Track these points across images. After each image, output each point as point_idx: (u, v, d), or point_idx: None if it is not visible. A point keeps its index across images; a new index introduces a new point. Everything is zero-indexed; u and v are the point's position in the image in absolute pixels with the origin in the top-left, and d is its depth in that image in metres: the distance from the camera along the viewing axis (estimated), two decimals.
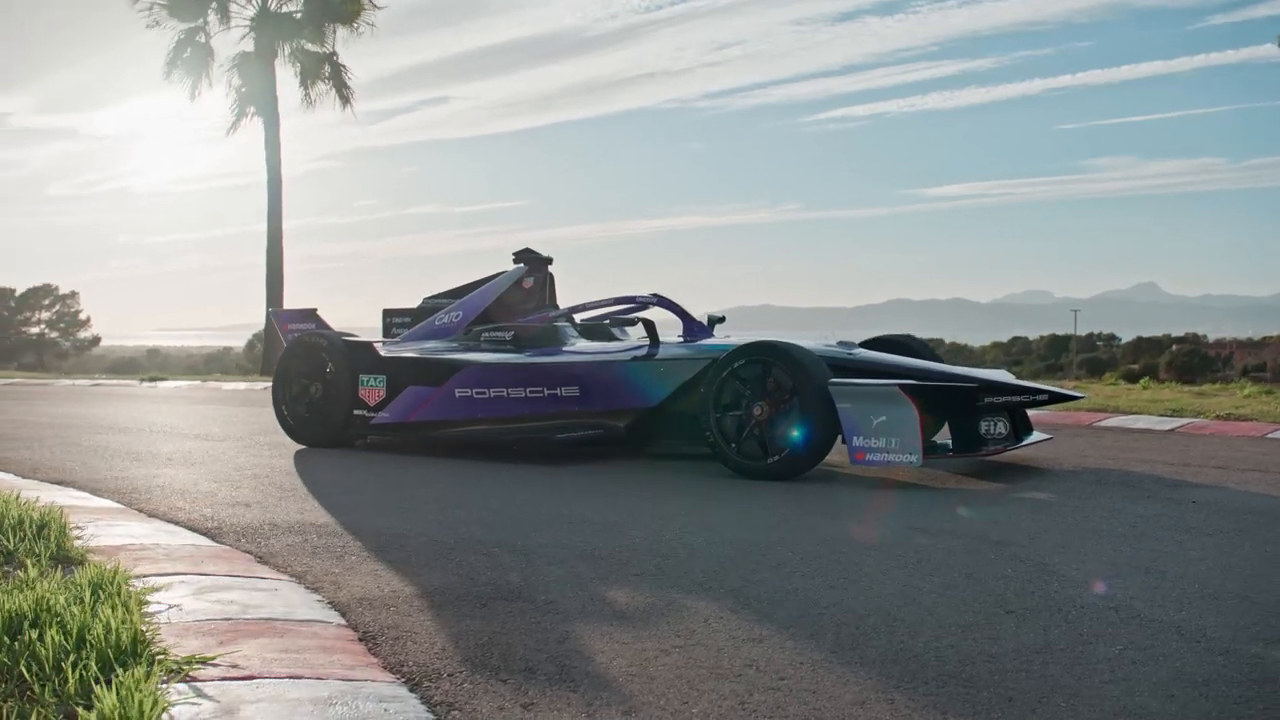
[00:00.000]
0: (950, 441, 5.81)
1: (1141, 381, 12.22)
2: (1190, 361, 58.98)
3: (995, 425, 5.79)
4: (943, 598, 3.23)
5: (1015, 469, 5.89)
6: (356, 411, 6.93)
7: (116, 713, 2.01)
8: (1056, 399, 6.11)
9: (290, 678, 2.41)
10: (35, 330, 63.47)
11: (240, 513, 4.63)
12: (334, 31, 17.34)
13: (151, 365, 46.66)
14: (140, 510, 4.68)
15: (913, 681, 2.48)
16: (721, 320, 6.99)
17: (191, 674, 2.38)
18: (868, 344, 6.60)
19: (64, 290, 65.77)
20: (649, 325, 6.54)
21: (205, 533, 4.21)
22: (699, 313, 6.92)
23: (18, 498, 4.18)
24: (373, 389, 6.90)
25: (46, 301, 65.03)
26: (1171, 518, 4.46)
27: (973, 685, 2.45)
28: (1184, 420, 7.96)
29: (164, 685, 2.27)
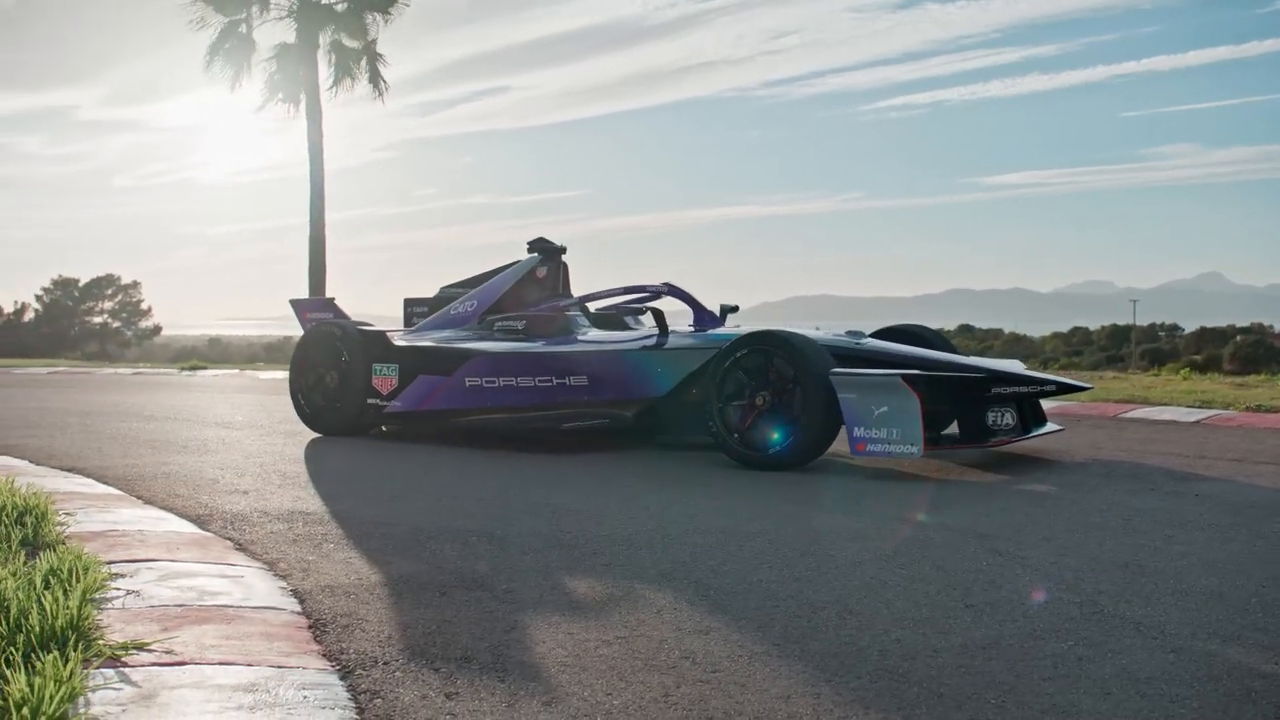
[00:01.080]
0: (957, 432, 5.74)
1: (1182, 372, 11.98)
2: (1255, 352, 57.72)
3: (1003, 416, 5.71)
4: (906, 590, 3.18)
5: (1023, 460, 5.80)
6: (370, 400, 6.98)
7: (25, 697, 2.03)
8: (1065, 389, 6.02)
9: (221, 664, 2.42)
10: (98, 320, 64.58)
11: (235, 500, 4.68)
12: (373, 21, 17.47)
13: (213, 354, 47.28)
14: (139, 497, 4.74)
15: (846, 676, 2.45)
16: (734, 310, 6.95)
17: (124, 659, 2.40)
18: (879, 334, 6.53)
19: (126, 280, 66.87)
20: (658, 315, 6.53)
21: (194, 520, 4.25)
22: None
23: (11, 484, 4.25)
24: (386, 378, 6.95)
25: (109, 292, 66.15)
26: (1168, 511, 4.37)
27: (906, 680, 2.41)
28: (1211, 412, 7.78)
29: (91, 670, 2.29)
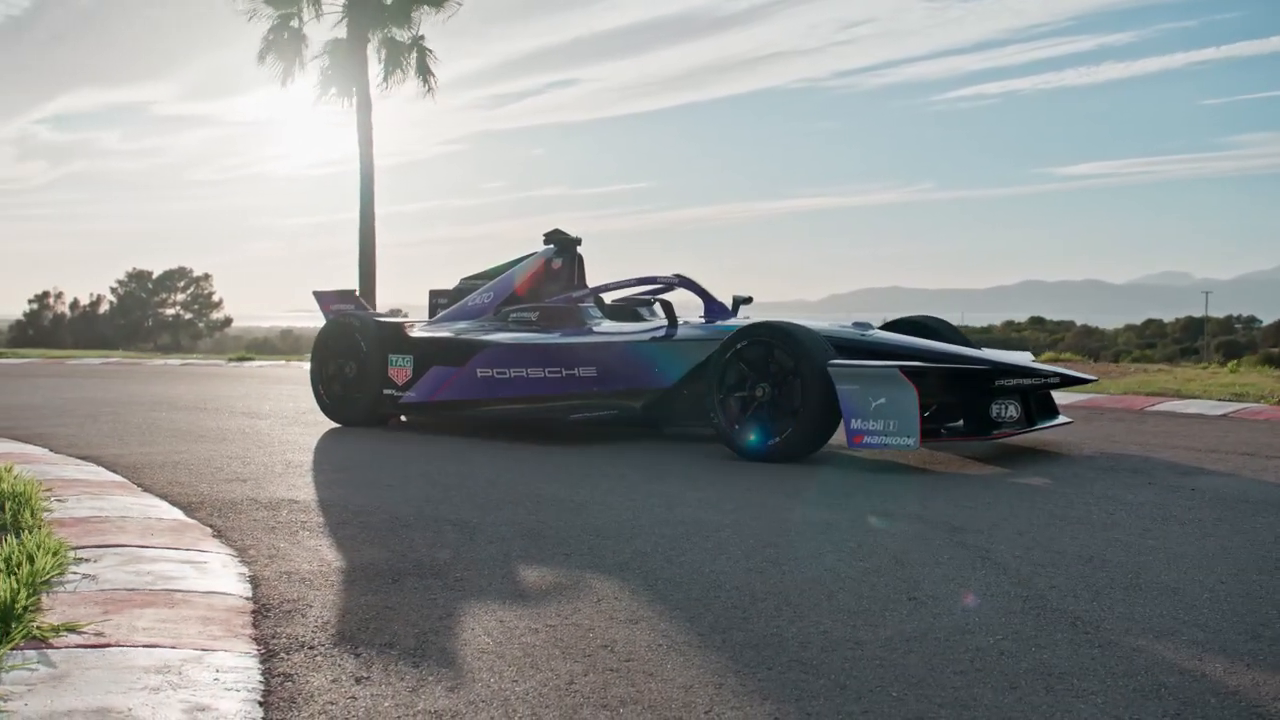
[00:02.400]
0: (961, 424, 5.68)
1: (1230, 365, 11.72)
2: None
3: (1006, 409, 5.64)
4: (856, 582, 3.17)
5: (1028, 453, 5.73)
6: (386, 391, 7.07)
7: None
8: (1068, 382, 5.93)
9: (146, 646, 2.48)
10: (170, 312, 65.87)
11: (231, 488, 4.77)
12: (422, 16, 17.64)
13: (284, 345, 47.96)
14: (139, 484, 4.85)
15: (757, 667, 2.45)
16: (748, 301, 6.94)
17: (51, 641, 2.47)
18: (890, 326, 6.49)
19: (198, 273, 68.06)
20: (667, 306, 6.53)
21: (184, 506, 4.35)
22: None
23: (10, 471, 4.37)
24: (401, 369, 7.03)
25: (181, 284, 67.41)
26: (1156, 506, 4.30)
27: (815, 672, 2.41)
28: (1240, 405, 7.62)
29: (8, 651, 2.36)
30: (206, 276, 68.52)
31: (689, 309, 6.87)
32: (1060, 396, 8.18)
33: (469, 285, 7.70)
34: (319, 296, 7.80)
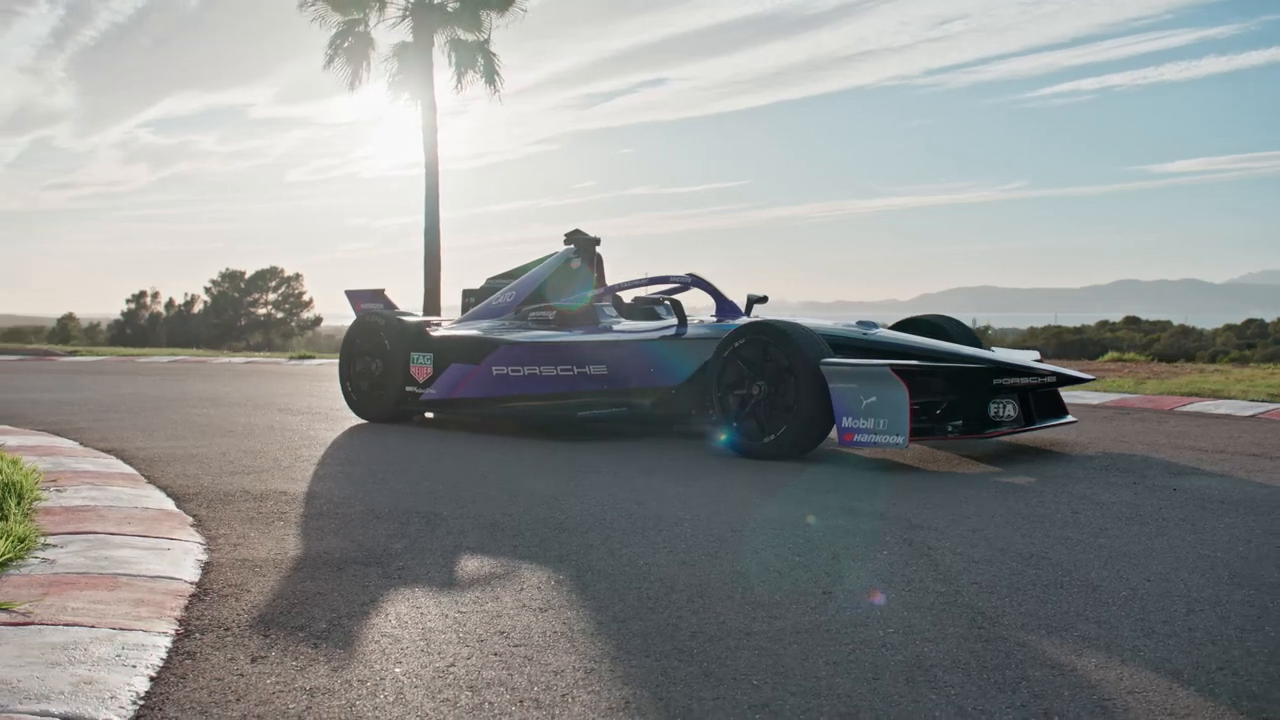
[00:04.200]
0: (960, 423, 5.67)
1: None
2: None
3: (1004, 407, 5.61)
4: (780, 576, 3.23)
5: (1029, 452, 5.71)
6: (408, 388, 7.25)
7: None
8: (1065, 381, 5.88)
9: (66, 625, 2.64)
10: (262, 311, 67.41)
11: (231, 480, 4.96)
12: (489, 19, 17.90)
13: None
14: (147, 476, 5.06)
15: (637, 654, 2.52)
16: (762, 300, 6.98)
17: None
18: (901, 325, 6.50)
19: (289, 272, 69.52)
20: (676, 305, 6.61)
21: (178, 497, 4.54)
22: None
23: (15, 463, 4.61)
24: (422, 366, 7.21)
25: (273, 284, 68.92)
26: (1127, 505, 4.27)
27: (690, 660, 2.48)
28: (1272, 406, 7.45)
29: None
30: (297, 276, 69.85)
31: (709, 309, 6.95)
32: (1091, 396, 8.10)
33: (494, 284, 7.86)
34: (351, 295, 8.00)
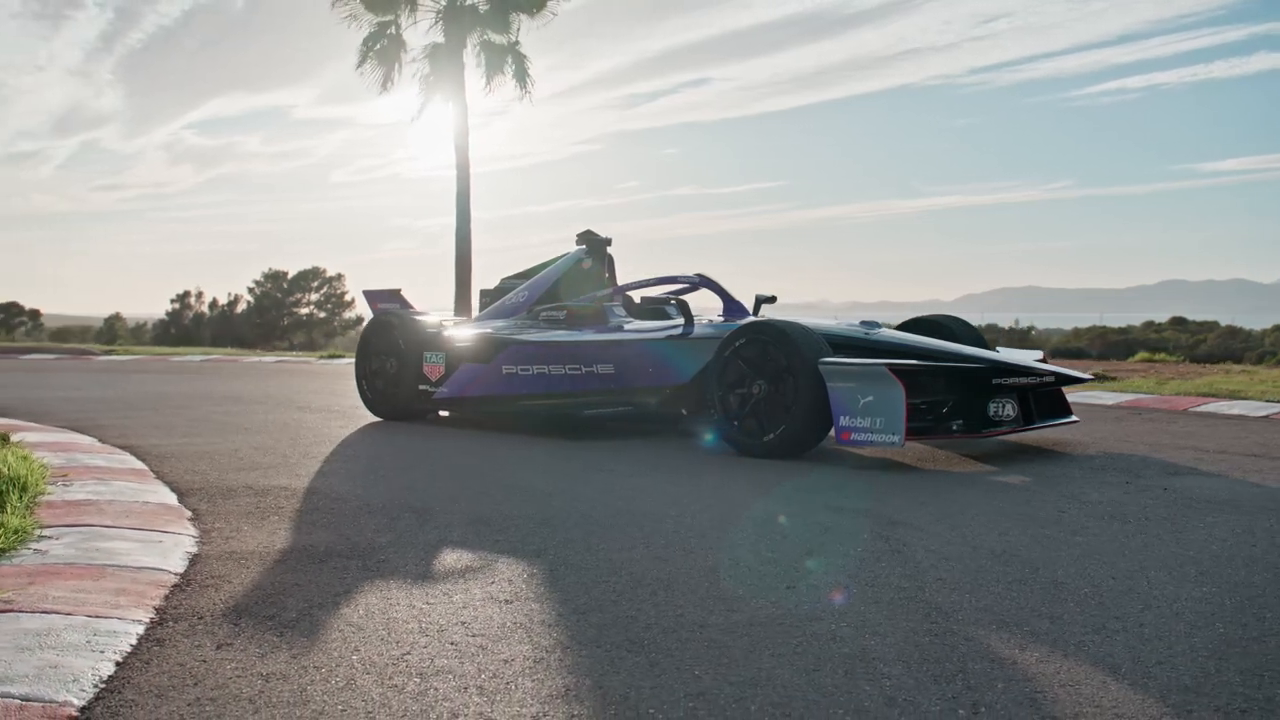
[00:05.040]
0: (960, 422, 5.69)
1: None
2: None
3: (1004, 407, 5.63)
4: (748, 572, 3.28)
5: (1029, 451, 5.72)
6: (421, 387, 7.36)
7: None
8: (1064, 381, 5.88)
9: (45, 613, 2.74)
10: (304, 311, 68.06)
11: (237, 476, 5.07)
12: (519, 21, 18.04)
13: None
14: (156, 472, 5.19)
15: (588, 645, 2.58)
16: (771, 300, 7.02)
17: None
18: (907, 325, 6.52)
19: (331, 273, 70.12)
20: (683, 305, 6.67)
21: (181, 492, 4.65)
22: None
23: (25, 458, 4.75)
24: (434, 365, 7.32)
25: (315, 284, 69.55)
26: (1113, 505, 4.28)
27: (638, 650, 2.54)
28: None
29: None
30: (339, 276, 70.47)
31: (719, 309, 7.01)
32: (1106, 396, 8.08)
33: (509, 285, 7.96)
34: (368, 295, 8.13)
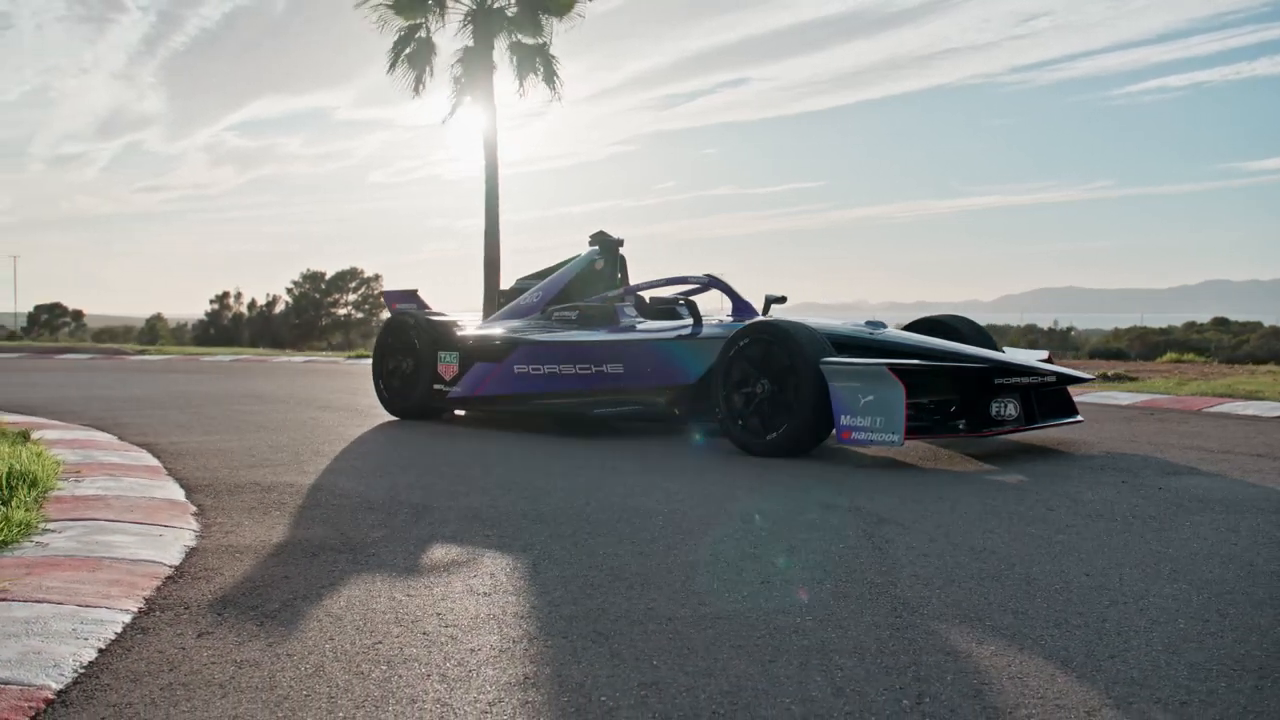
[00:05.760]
0: (962, 422, 5.72)
1: None
2: None
3: (1006, 407, 5.65)
4: (726, 567, 3.34)
5: (1031, 450, 5.73)
6: (436, 386, 7.47)
7: None
8: (1065, 380, 5.89)
9: (37, 602, 2.84)
10: (342, 312, 68.62)
11: (246, 473, 5.18)
12: (549, 23, 18.13)
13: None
14: (168, 468, 5.31)
15: (555, 636, 2.65)
16: (781, 300, 7.06)
17: None
18: (914, 325, 6.55)
19: (369, 273, 70.62)
20: (691, 305, 6.73)
21: (190, 488, 4.76)
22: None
23: (39, 454, 4.89)
24: (448, 365, 7.42)
25: (353, 284, 70.10)
26: (1106, 504, 4.30)
27: (602, 641, 2.60)
28: None
29: None
30: (376, 277, 70.92)
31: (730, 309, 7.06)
32: (1121, 396, 8.06)
33: (523, 285, 8.06)
34: (386, 295, 8.25)
